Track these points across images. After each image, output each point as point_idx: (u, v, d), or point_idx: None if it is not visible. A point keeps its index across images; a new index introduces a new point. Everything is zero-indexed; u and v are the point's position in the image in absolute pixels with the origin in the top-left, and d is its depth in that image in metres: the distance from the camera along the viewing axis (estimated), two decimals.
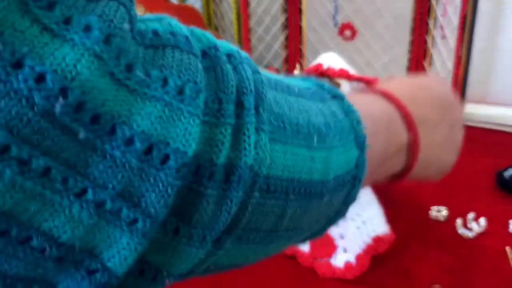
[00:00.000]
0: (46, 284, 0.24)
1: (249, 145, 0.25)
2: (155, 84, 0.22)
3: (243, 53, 0.28)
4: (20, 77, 0.18)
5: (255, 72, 0.28)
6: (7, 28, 0.18)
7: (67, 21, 0.19)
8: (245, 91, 0.26)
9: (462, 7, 0.97)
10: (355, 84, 0.72)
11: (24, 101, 0.18)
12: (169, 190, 0.23)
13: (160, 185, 0.23)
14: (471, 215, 0.81)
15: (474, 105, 1.21)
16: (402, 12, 1.14)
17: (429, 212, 0.83)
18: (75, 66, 0.19)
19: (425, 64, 1.11)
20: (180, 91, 0.23)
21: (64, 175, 0.21)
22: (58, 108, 0.19)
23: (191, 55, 0.24)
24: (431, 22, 1.07)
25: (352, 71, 0.75)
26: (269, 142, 0.27)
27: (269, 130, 0.27)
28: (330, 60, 0.74)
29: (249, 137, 0.25)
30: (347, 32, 1.14)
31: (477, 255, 0.74)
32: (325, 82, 0.36)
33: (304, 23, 1.20)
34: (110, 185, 0.22)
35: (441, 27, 1.08)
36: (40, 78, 0.19)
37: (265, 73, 0.29)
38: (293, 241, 0.35)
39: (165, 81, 0.22)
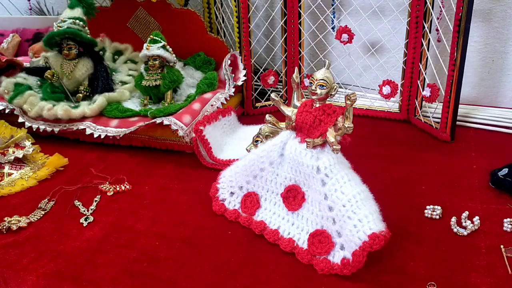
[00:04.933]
0: None
1: None
2: None
3: None
4: None
5: None
6: None
7: None
8: None
9: (457, 10, 0.98)
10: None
11: None
12: None
13: None
14: (465, 214, 0.82)
15: (469, 107, 1.23)
16: (398, 15, 1.16)
17: (424, 211, 0.85)
18: None
19: (421, 66, 1.12)
20: None
21: None
22: None
23: None
24: (427, 25, 1.08)
25: None
26: None
27: None
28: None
29: None
30: (345, 36, 1.16)
31: (472, 253, 0.76)
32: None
33: (303, 27, 1.22)
34: None
35: (437, 30, 1.10)
36: None
37: None
38: None
39: None
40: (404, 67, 1.16)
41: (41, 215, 0.88)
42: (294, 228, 0.80)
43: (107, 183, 0.98)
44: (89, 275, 0.74)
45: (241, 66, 1.23)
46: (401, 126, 1.19)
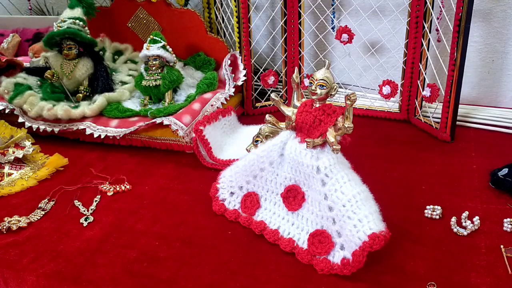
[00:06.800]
0: None
1: None
2: None
3: None
4: None
5: None
6: None
7: None
8: None
9: (457, 10, 0.98)
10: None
11: None
12: None
13: None
14: (465, 214, 0.82)
15: (469, 107, 1.23)
16: (398, 15, 1.16)
17: (424, 211, 0.85)
18: None
19: (421, 66, 1.12)
20: None
21: None
22: None
23: None
24: (427, 26, 1.08)
25: None
26: None
27: None
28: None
29: None
30: (345, 36, 1.16)
31: (472, 253, 0.76)
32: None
33: (303, 27, 1.22)
34: None
35: (437, 30, 1.10)
36: None
37: None
38: None
39: None
40: (404, 67, 1.16)
41: (41, 215, 0.88)
42: (294, 228, 0.80)
43: (107, 183, 0.98)
44: (89, 275, 0.74)
45: (241, 66, 1.23)
46: (401, 126, 1.19)
